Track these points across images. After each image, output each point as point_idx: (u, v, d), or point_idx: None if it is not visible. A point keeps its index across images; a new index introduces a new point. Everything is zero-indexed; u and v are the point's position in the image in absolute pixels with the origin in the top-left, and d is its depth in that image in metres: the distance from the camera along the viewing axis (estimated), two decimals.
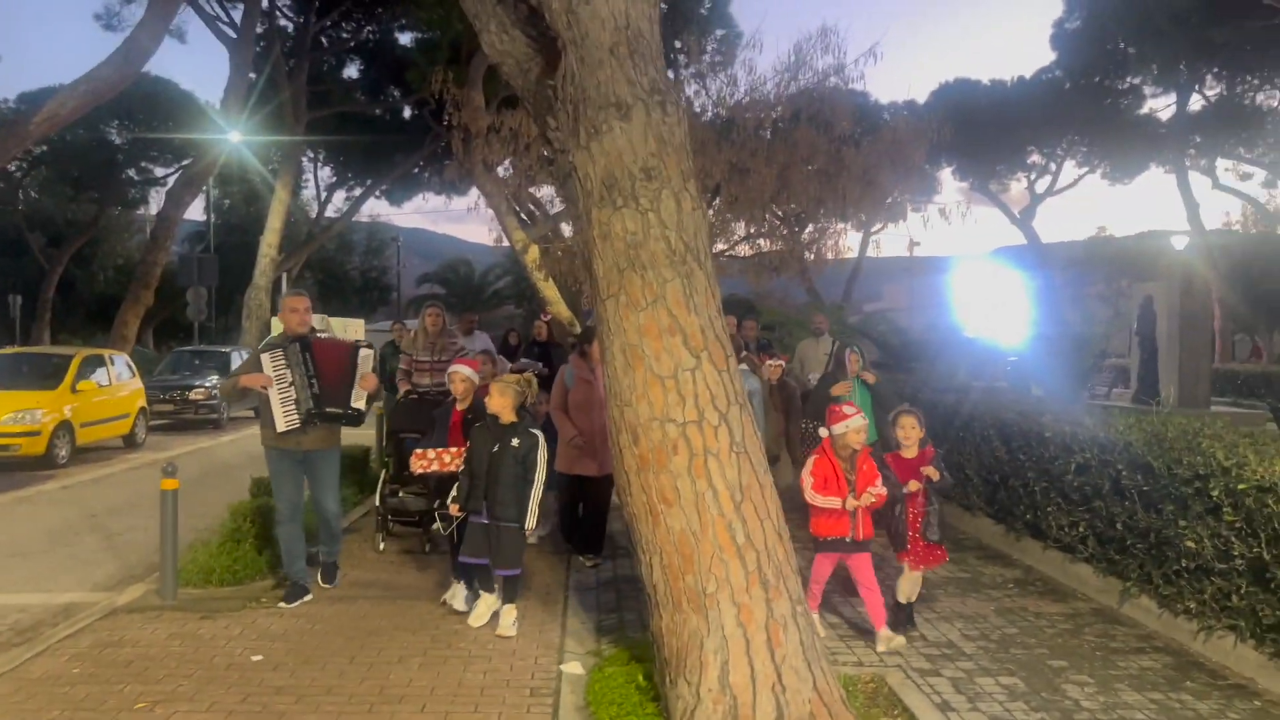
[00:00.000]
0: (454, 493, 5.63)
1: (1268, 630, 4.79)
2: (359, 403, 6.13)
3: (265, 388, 5.97)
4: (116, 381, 14.77)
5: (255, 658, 5.11)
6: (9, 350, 16.60)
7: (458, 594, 5.98)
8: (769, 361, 8.38)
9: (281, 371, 5.99)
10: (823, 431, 5.53)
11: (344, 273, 44.88)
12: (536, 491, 5.49)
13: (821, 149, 11.66)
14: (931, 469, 5.47)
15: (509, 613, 5.58)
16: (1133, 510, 5.83)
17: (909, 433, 5.60)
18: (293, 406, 5.99)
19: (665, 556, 4.13)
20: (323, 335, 6.45)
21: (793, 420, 8.38)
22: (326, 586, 6.43)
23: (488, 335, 11.82)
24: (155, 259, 19.76)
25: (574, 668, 4.96)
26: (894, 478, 5.43)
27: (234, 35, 24.26)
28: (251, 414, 20.18)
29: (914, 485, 5.44)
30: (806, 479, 5.37)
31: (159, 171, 35.14)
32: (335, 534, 6.54)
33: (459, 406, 6.14)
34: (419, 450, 5.83)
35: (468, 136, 13.69)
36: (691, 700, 3.98)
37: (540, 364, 10.45)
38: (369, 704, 4.50)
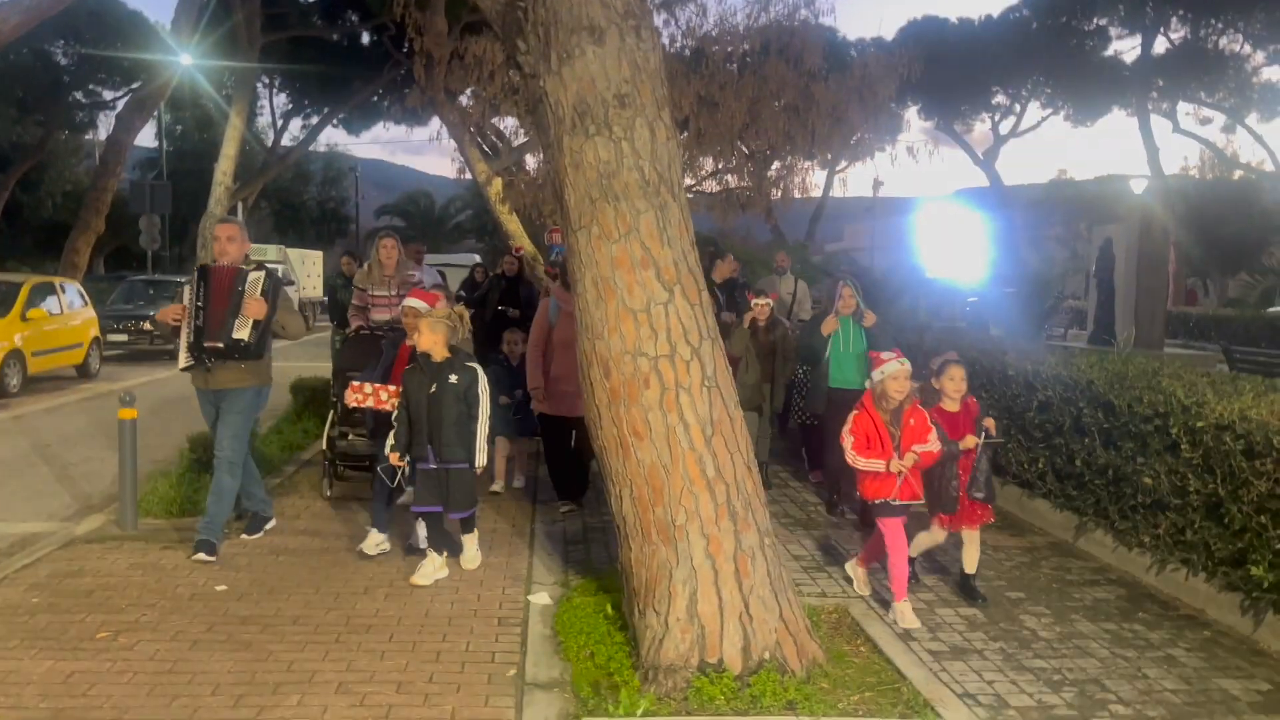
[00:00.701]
0: (391, 441, 5.29)
1: (1219, 564, 4.93)
2: (241, 332, 5.46)
3: (177, 320, 5.58)
4: (68, 310, 14.43)
5: (219, 587, 5.08)
6: None
7: (372, 541, 5.71)
8: (755, 300, 7.65)
9: (190, 304, 5.56)
10: (865, 382, 5.05)
11: (301, 203, 43.96)
12: (483, 428, 5.22)
13: (791, 84, 11.53)
14: (990, 420, 5.12)
15: (470, 542, 5.50)
16: (1092, 448, 5.94)
17: (958, 385, 5.10)
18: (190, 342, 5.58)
19: (635, 489, 4.13)
20: (244, 267, 5.64)
21: (784, 365, 7.60)
22: (206, 558, 5.48)
23: (435, 270, 10.65)
24: (105, 185, 19.18)
25: (541, 598, 4.99)
26: (943, 433, 4.92)
27: None
28: None
29: (971, 441, 4.96)
30: (846, 438, 4.87)
31: (107, 95, 33.91)
32: (220, 489, 5.64)
33: (411, 342, 5.69)
34: (355, 383, 5.55)
35: (430, 63, 13.29)
36: (660, 630, 4.02)
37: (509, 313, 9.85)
38: (336, 633, 4.49)
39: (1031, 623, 4.79)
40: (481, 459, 5.23)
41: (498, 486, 7.34)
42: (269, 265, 5.65)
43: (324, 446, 7.14)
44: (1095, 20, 31.51)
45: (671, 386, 4.08)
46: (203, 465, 6.86)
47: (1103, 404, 5.87)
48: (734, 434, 4.17)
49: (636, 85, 4.30)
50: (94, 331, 15.10)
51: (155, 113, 25.64)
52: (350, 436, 7.13)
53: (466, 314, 5.73)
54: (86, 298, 15.40)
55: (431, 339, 5.19)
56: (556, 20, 4.38)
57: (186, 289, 5.63)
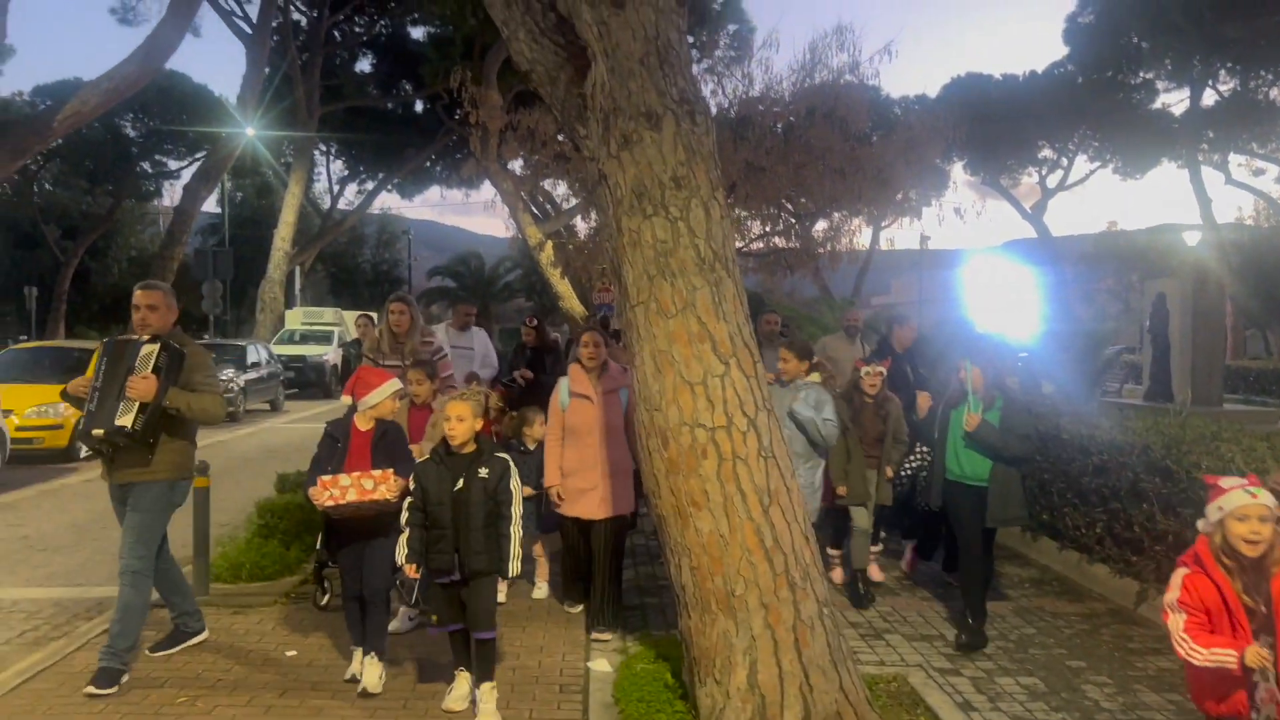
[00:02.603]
0: (401, 547, 4.42)
1: None
2: (124, 418, 4.57)
3: (82, 395, 4.82)
4: None
5: (290, 653, 5.23)
6: (29, 344, 16.78)
7: (365, 667, 4.75)
8: (866, 368, 6.44)
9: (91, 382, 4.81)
10: (1199, 524, 3.40)
11: (355, 265, 45.08)
12: (516, 531, 4.41)
13: (837, 147, 11.73)
14: None
15: (489, 695, 4.44)
16: (1151, 513, 5.91)
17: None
18: None
19: (694, 558, 4.23)
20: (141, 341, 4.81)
21: (893, 448, 6.40)
22: (98, 692, 4.56)
23: (485, 333, 9.48)
24: (172, 253, 19.97)
25: (601, 665, 5.07)
26: None
27: (250, 30, 24.40)
28: (267, 407, 20.38)
29: None
30: (1175, 617, 3.21)
31: (173, 164, 35.33)
32: (122, 607, 4.73)
33: (363, 426, 4.77)
34: (322, 478, 4.52)
35: (485, 133, 13.76)
36: (721, 699, 4.09)
37: (519, 375, 8.79)
38: (403, 699, 4.61)
39: (1094, 693, 4.76)
40: (515, 567, 4.41)
41: (540, 591, 6.43)
42: (174, 341, 4.77)
43: (319, 546, 5.58)
44: (1142, 74, 31.49)
45: (729, 457, 4.19)
46: (269, 530, 7.07)
47: (1160, 469, 5.85)
48: (791, 504, 4.26)
49: (691, 168, 4.49)
50: None
51: (219, 182, 26.52)
52: None
53: (495, 397, 5.36)
54: None
55: (458, 427, 4.41)
56: (615, 107, 4.60)
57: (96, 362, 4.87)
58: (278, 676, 4.86)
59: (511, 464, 4.52)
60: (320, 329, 26.10)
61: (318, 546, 5.65)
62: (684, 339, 4.31)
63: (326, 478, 4.57)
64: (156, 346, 4.72)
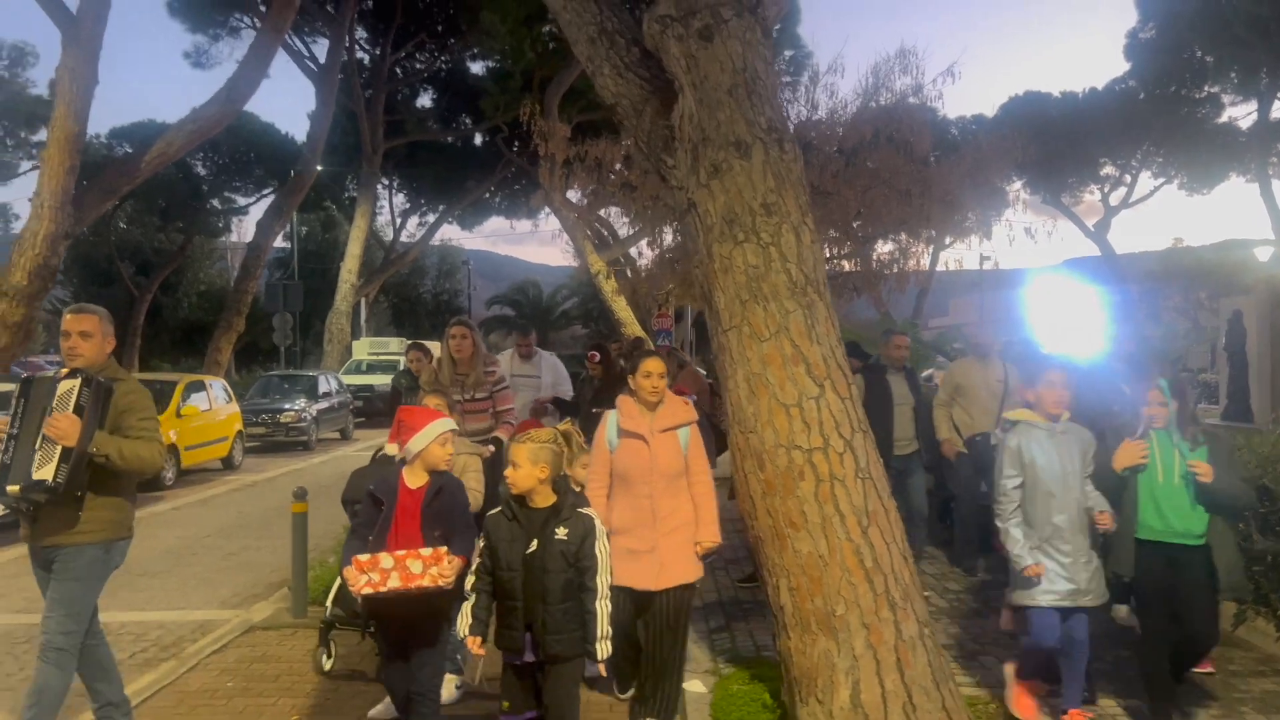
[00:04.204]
0: (465, 616, 3.72)
1: None
2: (43, 469, 3.81)
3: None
4: (216, 406, 15.37)
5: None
6: None
7: None
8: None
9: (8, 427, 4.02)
10: None
11: (417, 296, 45.87)
12: (605, 605, 3.68)
13: (903, 170, 11.73)
14: None
15: None
16: (1248, 533, 5.81)
17: None
18: None
19: (793, 579, 4.27)
20: (49, 376, 4.10)
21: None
22: None
23: (554, 356, 9.03)
24: (247, 287, 20.59)
25: (695, 686, 5.12)
26: None
27: (318, 70, 25.15)
28: (338, 435, 20.81)
29: None
30: None
31: (241, 201, 36.33)
32: (39, 687, 3.91)
33: (414, 482, 3.94)
34: (359, 558, 3.69)
35: (552, 164, 14.03)
36: (823, 718, 4.12)
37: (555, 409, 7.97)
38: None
39: (1203, 715, 4.69)
40: (604, 649, 3.65)
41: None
42: (105, 376, 4.01)
43: (328, 601, 5.34)
44: (1206, 88, 30.92)
45: (826, 478, 4.25)
46: None
47: (1257, 489, 5.76)
48: (889, 524, 4.30)
49: (781, 194, 4.58)
50: (238, 425, 16.04)
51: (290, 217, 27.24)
52: None
53: (575, 433, 4.40)
54: (231, 394, 16.40)
55: (529, 474, 3.69)
56: (704, 137, 4.71)
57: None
58: (381, 693, 4.99)
59: (598, 523, 3.78)
60: (386, 359, 26.62)
61: (328, 602, 5.32)
62: (778, 362, 4.39)
63: (363, 557, 3.68)
64: (76, 381, 3.90)
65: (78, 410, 3.87)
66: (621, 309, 20.69)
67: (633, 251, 28.76)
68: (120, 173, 14.32)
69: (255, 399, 19.50)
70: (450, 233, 39.49)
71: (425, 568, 3.68)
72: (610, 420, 4.58)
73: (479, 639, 3.67)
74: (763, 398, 4.37)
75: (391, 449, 5.54)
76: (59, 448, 3.83)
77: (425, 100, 33.15)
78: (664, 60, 5.05)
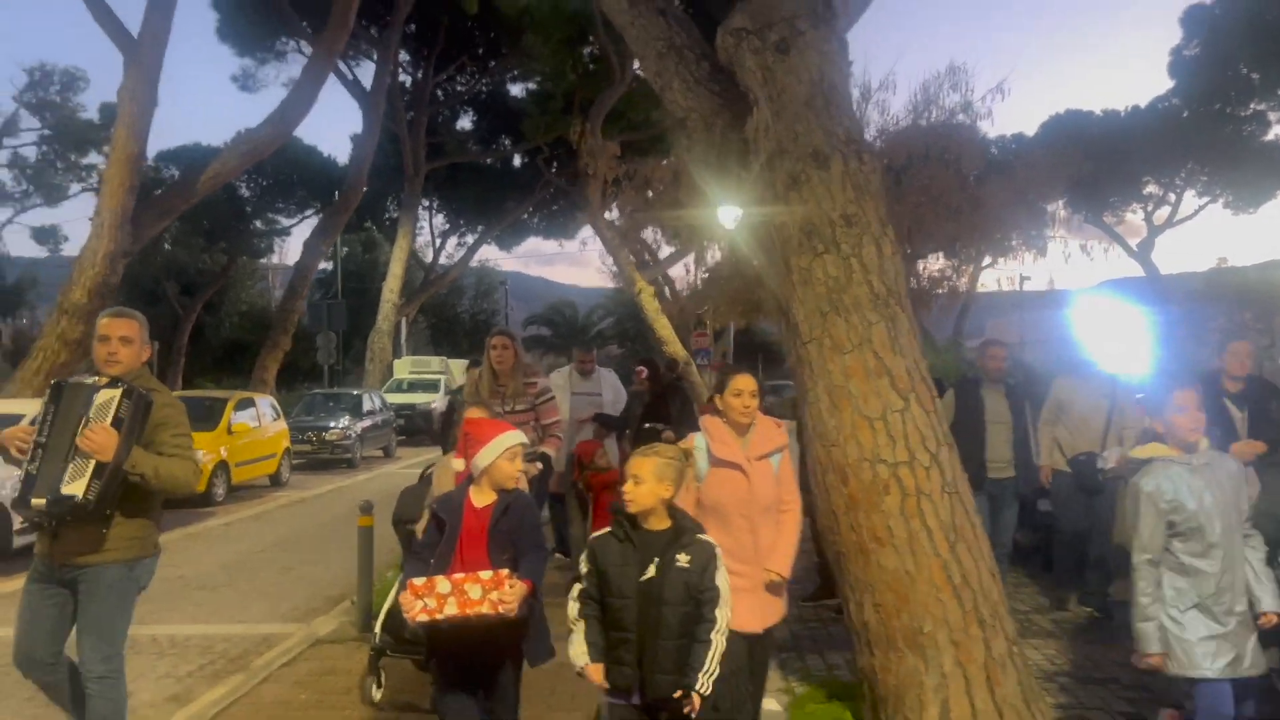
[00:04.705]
0: (578, 644, 3.34)
1: None
2: (74, 484, 3.56)
3: (21, 450, 3.73)
4: (265, 423, 15.51)
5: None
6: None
7: None
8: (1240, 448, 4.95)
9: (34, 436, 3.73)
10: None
11: (455, 316, 46.21)
12: (720, 639, 3.30)
13: (953, 187, 11.67)
14: None
15: None
16: None
17: None
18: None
19: (878, 595, 4.20)
20: (89, 381, 3.80)
21: None
22: None
23: (613, 374, 8.84)
24: (294, 307, 20.86)
25: (771, 704, 5.04)
26: None
27: (363, 93, 25.54)
28: (381, 453, 20.92)
29: None
30: None
31: (284, 222, 36.85)
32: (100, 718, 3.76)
33: (480, 500, 3.67)
34: (414, 582, 3.45)
35: (602, 184, 14.13)
36: None
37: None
38: None
39: None
40: (706, 684, 3.25)
41: None
42: (142, 387, 3.74)
43: (376, 627, 5.12)
44: (1253, 105, 30.53)
45: (912, 493, 4.18)
46: None
47: None
48: (976, 540, 4.22)
49: (861, 205, 4.54)
50: (285, 443, 16.16)
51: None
52: None
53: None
54: (279, 411, 16.55)
55: (651, 492, 3.37)
56: (781, 149, 4.70)
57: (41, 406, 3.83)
58: None
59: (719, 551, 3.43)
60: (428, 377, 26.78)
61: (376, 627, 5.10)
62: (861, 374, 4.34)
63: (419, 581, 3.42)
64: (118, 391, 3.66)
65: (116, 423, 3.61)
66: (663, 328, 20.71)
67: (671, 272, 28.91)
68: (177, 193, 14.60)
69: (300, 416, 19.66)
70: (486, 253, 39.97)
71: (485, 593, 3.38)
72: (699, 447, 4.07)
73: (600, 666, 3.29)
74: (846, 411, 4.32)
75: (458, 464, 5.58)
76: (93, 462, 3.57)
77: (465, 122, 33.56)
78: (738, 73, 5.05)
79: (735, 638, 3.63)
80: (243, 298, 44.54)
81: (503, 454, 3.66)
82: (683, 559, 3.32)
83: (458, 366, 30.29)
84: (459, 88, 31.79)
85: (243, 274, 44.05)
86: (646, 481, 3.37)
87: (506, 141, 32.79)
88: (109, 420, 3.61)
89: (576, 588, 3.42)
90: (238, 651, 6.35)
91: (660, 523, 3.40)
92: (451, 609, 3.38)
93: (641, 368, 8.69)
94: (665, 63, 5.49)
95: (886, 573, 4.18)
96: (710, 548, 3.41)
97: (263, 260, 44.13)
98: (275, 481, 15.65)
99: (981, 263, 28.48)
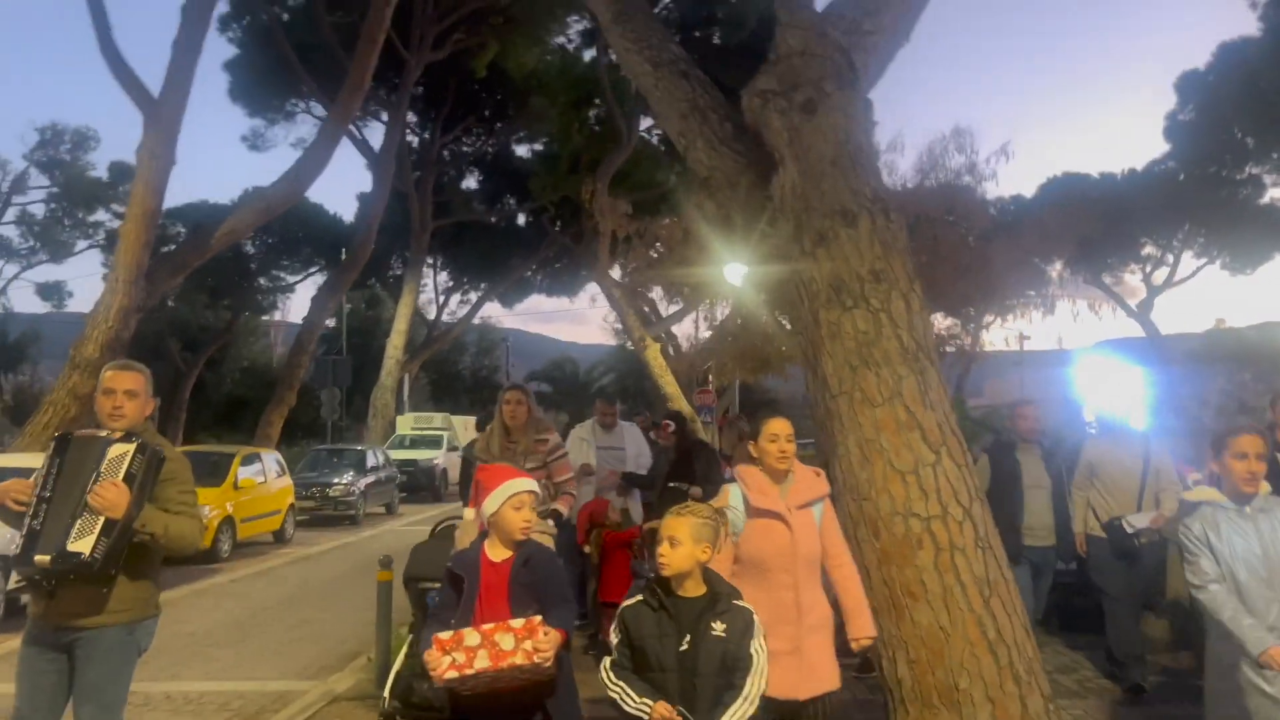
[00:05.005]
0: (629, 698, 3.14)
1: None
2: (81, 541, 3.40)
3: (19, 504, 3.55)
4: (270, 478, 15.45)
5: None
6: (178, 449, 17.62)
7: None
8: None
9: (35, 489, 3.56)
10: None
11: (455, 372, 46.31)
12: (741, 707, 3.13)
13: (961, 246, 11.83)
14: None
15: None
16: None
17: None
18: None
19: (912, 651, 4.18)
20: (95, 434, 3.65)
21: None
22: None
23: (637, 428, 8.72)
24: (300, 362, 20.93)
25: None
26: None
27: (374, 154, 25.95)
28: (384, 510, 20.79)
29: None
30: None
31: (289, 279, 37.08)
32: None
33: (496, 555, 3.45)
34: (439, 636, 3.20)
35: (612, 242, 14.30)
36: None
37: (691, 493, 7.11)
38: None
39: None
40: None
41: None
42: (153, 444, 3.61)
43: (385, 693, 4.87)
44: (1248, 169, 30.99)
45: (946, 547, 4.18)
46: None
47: None
48: (1010, 595, 4.21)
49: (889, 261, 4.61)
50: (290, 499, 16.07)
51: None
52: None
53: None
54: (284, 467, 16.49)
55: (687, 554, 3.21)
56: (808, 207, 4.78)
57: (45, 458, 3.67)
58: None
59: (756, 619, 3.26)
60: (430, 434, 26.73)
61: (384, 693, 4.81)
62: (892, 428, 4.36)
63: (445, 635, 3.18)
64: (131, 447, 3.52)
65: (128, 479, 3.46)
66: (669, 384, 20.77)
67: (675, 329, 29.08)
68: (191, 249, 14.77)
69: (304, 473, 19.58)
70: (487, 310, 40.11)
71: (518, 642, 3.13)
72: (733, 496, 3.82)
73: (664, 703, 3.06)
74: (877, 464, 4.34)
75: (469, 514, 5.50)
76: (102, 519, 3.40)
77: (471, 181, 34.04)
78: (764, 134, 5.15)
79: (774, 707, 3.44)
80: (245, 354, 44.65)
81: (508, 501, 3.41)
82: (719, 628, 3.16)
83: (460, 423, 30.31)
84: (465, 148, 32.28)
85: (245, 330, 44.22)
86: (684, 544, 3.20)
87: (511, 200, 33.22)
88: (121, 476, 3.47)
89: (607, 660, 3.25)
90: (254, 709, 6.26)
91: (695, 589, 3.22)
92: (483, 662, 3.12)
93: (668, 422, 8.39)
94: (689, 123, 5.61)
95: (920, 628, 4.16)
96: (748, 614, 3.23)
97: (265, 317, 44.36)
98: (279, 538, 15.53)
99: (983, 321, 28.69)
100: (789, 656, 3.58)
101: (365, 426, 27.94)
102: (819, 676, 3.65)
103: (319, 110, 27.55)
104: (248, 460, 15.03)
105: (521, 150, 32.03)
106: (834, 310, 4.60)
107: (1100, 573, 6.38)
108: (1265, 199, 32.07)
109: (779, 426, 3.85)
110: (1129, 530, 6.06)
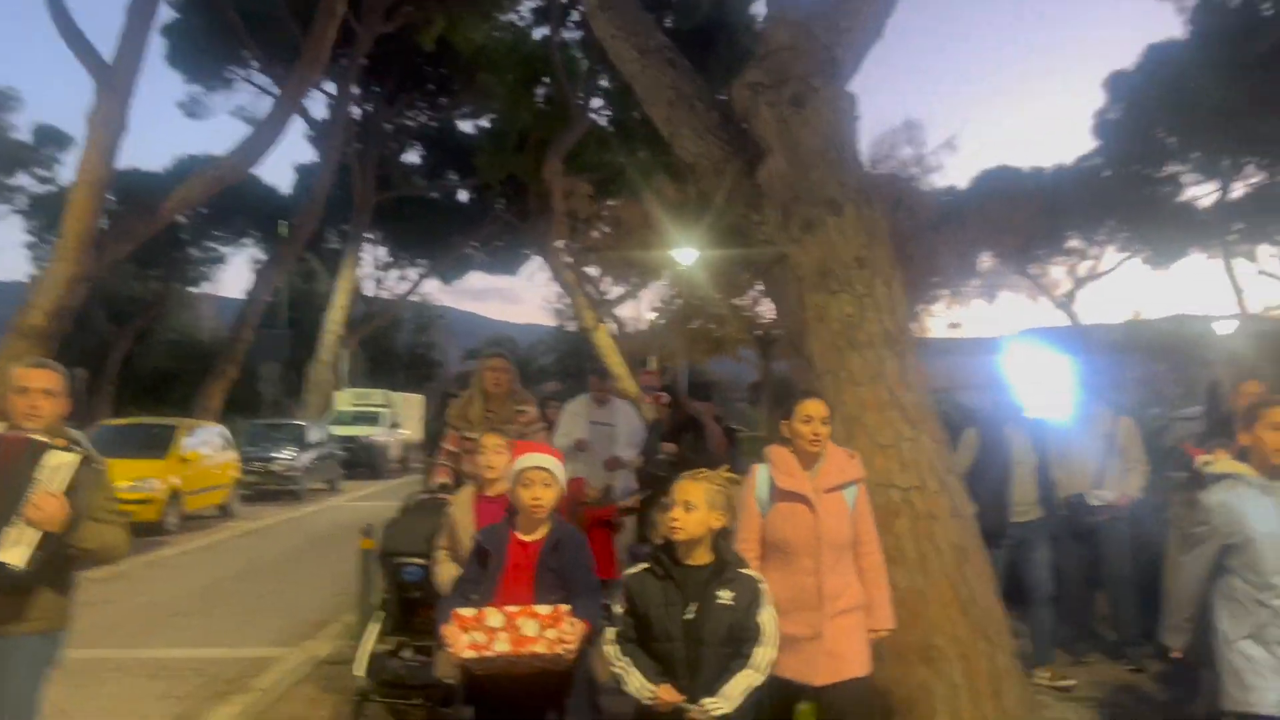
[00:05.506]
0: (631, 679, 3.10)
1: None
2: (11, 551, 3.22)
3: None
4: (215, 452, 15.29)
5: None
6: (121, 420, 17.34)
7: None
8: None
9: None
10: None
11: (392, 349, 45.81)
12: (749, 676, 3.10)
13: (910, 235, 12.25)
14: None
15: None
16: None
17: None
18: None
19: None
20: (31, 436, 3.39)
21: None
22: None
23: (630, 405, 8.13)
24: (243, 335, 20.62)
25: None
26: None
27: (319, 125, 25.59)
28: (326, 486, 20.66)
29: None
30: None
31: (222, 250, 36.28)
32: None
33: (527, 533, 3.39)
34: (460, 613, 3.16)
35: (572, 221, 14.43)
36: None
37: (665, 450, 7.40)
38: None
39: None
40: (725, 707, 3.06)
41: None
42: (83, 448, 3.44)
43: (358, 671, 4.79)
44: (1169, 168, 32.29)
45: (923, 515, 4.50)
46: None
47: None
48: (981, 561, 4.56)
49: (872, 249, 4.91)
50: (234, 473, 15.93)
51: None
52: (407, 652, 4.90)
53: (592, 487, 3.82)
54: (229, 440, 16.33)
55: (688, 518, 3.17)
56: (796, 196, 5.05)
57: None
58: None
59: (764, 587, 3.25)
60: (370, 410, 26.53)
61: (356, 671, 4.76)
62: (875, 406, 4.66)
63: (466, 612, 3.12)
64: (75, 458, 3.33)
65: (69, 490, 3.27)
66: (617, 365, 21.00)
67: (620, 311, 29.31)
68: (140, 218, 14.47)
69: (244, 447, 19.34)
70: (423, 287, 39.74)
71: (541, 629, 3.06)
72: (760, 476, 3.72)
73: (668, 685, 3.01)
74: (860, 439, 4.62)
75: (442, 479, 5.52)
76: (39, 533, 3.20)
77: (413, 156, 33.69)
78: (752, 124, 5.39)
79: (787, 688, 3.48)
80: (174, 326, 43.55)
81: (517, 478, 3.37)
82: (725, 595, 3.11)
83: (401, 400, 30.10)
84: (409, 122, 31.94)
85: (175, 302, 43.13)
86: (699, 509, 3.14)
87: (454, 176, 32.98)
88: (61, 487, 3.26)
89: (612, 631, 3.20)
90: (233, 674, 6.33)
91: (703, 557, 3.17)
92: (503, 645, 3.06)
93: (662, 393, 7.98)
94: (675, 111, 5.81)
95: (899, 590, 4.44)
96: (754, 583, 3.20)
97: (195, 289, 43.32)
98: (224, 512, 15.39)
99: (927, 309, 29.50)
100: (808, 642, 3.51)
101: (301, 402, 27.60)
102: (841, 661, 3.55)
103: (260, 79, 27.05)
104: (192, 433, 14.86)
105: (466, 126, 31.84)
106: (820, 294, 4.88)
107: (1107, 546, 6.39)
108: (1184, 197, 33.49)
109: (814, 408, 3.72)
110: (1092, 505, 6.25)
